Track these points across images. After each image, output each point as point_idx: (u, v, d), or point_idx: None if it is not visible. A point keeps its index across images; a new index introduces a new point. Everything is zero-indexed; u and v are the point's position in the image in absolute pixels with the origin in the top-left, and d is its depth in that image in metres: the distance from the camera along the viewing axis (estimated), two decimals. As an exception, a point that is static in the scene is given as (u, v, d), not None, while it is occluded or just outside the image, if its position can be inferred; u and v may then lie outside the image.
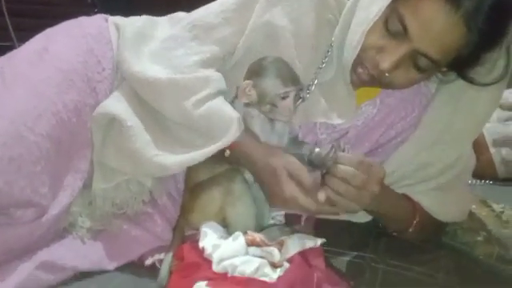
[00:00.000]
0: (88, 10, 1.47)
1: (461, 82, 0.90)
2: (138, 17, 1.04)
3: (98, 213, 0.90)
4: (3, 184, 0.76)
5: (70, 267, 0.80)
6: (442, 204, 0.96)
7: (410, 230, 0.94)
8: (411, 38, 0.80)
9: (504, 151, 1.38)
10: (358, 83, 0.91)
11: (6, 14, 1.35)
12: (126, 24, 0.98)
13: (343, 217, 1.02)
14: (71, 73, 0.88)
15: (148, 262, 0.84)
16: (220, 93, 0.85)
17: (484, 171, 1.35)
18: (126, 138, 0.85)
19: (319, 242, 0.85)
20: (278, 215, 0.99)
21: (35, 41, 0.96)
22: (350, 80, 0.90)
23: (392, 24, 0.81)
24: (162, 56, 0.89)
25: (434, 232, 1.01)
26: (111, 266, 0.84)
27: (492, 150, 1.38)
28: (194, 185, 0.87)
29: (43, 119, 0.82)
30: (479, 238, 1.04)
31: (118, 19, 1.01)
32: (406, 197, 0.95)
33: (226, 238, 0.81)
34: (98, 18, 1.02)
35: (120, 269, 0.84)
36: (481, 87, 0.87)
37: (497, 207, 1.16)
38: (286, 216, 1.00)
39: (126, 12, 1.06)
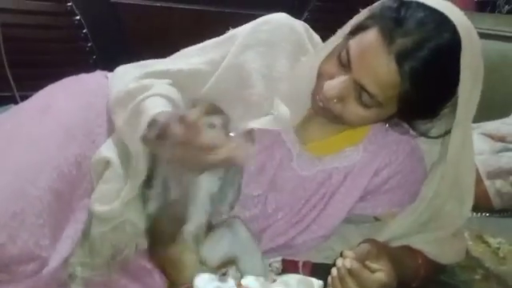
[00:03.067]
0: (87, 58, 1.51)
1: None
2: None
3: (98, 258, 0.91)
4: (7, 238, 0.78)
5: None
6: (443, 248, 0.97)
7: (414, 284, 0.95)
8: (351, 68, 0.84)
9: (498, 183, 1.39)
10: (317, 111, 0.94)
11: (6, 64, 1.39)
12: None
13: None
14: (73, 128, 0.92)
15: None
16: (162, 96, 0.90)
17: (479, 203, 1.35)
18: (108, 182, 0.90)
19: (316, 286, 0.86)
20: (275, 262, 1.00)
21: (38, 97, 1.01)
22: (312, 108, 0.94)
23: (343, 55, 0.85)
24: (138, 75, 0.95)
25: (436, 275, 1.02)
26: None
27: (487, 182, 1.39)
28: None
29: (44, 173, 0.85)
30: (477, 277, 1.04)
31: None
32: (409, 254, 0.95)
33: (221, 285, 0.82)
34: (98, 75, 1.07)
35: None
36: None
37: (493, 242, 1.17)
38: (284, 262, 1.01)
39: (125, 59, 1.10)
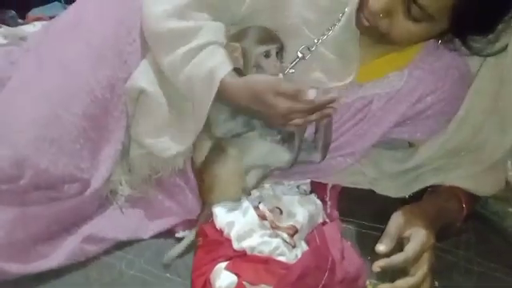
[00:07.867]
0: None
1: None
2: None
3: (137, 178, 0.97)
4: (48, 163, 0.82)
5: (111, 238, 0.89)
6: (480, 181, 0.95)
7: (458, 224, 0.94)
8: None
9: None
10: (362, 30, 0.89)
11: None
12: None
13: (366, 185, 1.04)
14: (103, 48, 0.91)
15: (178, 235, 0.91)
16: (210, 43, 0.86)
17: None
18: (152, 113, 0.91)
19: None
20: (303, 184, 1.02)
21: (68, 13, 0.99)
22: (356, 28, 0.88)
23: None
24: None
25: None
26: (146, 234, 0.91)
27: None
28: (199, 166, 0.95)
29: (78, 99, 0.87)
30: (510, 209, 1.02)
31: None
32: (451, 197, 0.93)
33: (235, 208, 0.88)
34: None
35: (155, 237, 0.91)
36: None
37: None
38: (312, 185, 1.03)
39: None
